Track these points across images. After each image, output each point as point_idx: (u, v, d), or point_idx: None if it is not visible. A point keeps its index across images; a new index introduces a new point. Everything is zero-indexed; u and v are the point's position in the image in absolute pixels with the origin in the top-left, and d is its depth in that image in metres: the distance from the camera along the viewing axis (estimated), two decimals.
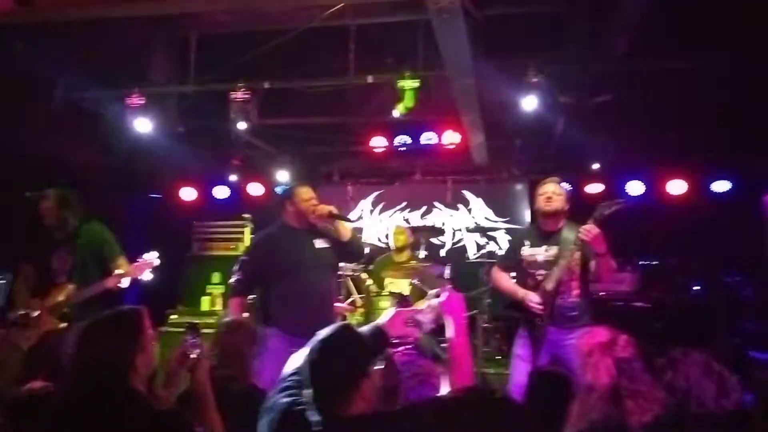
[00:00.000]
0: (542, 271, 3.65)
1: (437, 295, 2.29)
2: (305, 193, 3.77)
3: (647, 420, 2.01)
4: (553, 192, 3.71)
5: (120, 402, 1.98)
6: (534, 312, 3.60)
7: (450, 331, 2.13)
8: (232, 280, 3.75)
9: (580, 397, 2.20)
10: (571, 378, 2.57)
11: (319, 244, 3.73)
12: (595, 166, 6.72)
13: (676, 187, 6.78)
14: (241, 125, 4.94)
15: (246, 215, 6.54)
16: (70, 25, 4.39)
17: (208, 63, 5.19)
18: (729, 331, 5.11)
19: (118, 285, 3.86)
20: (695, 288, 6.23)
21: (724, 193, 6.73)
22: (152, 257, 3.96)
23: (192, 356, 2.36)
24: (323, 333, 1.85)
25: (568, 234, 3.64)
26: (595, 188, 6.80)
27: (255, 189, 7.50)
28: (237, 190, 7.55)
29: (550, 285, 3.57)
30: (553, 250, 3.66)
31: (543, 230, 3.77)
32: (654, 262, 6.27)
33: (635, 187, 6.88)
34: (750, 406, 2.34)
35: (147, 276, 3.94)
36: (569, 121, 5.81)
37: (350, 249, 3.83)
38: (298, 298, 3.57)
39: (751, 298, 5.63)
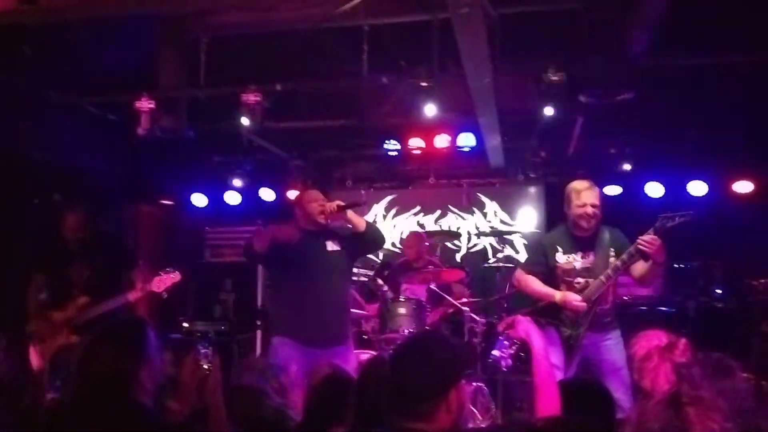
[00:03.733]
0: (580, 279, 3.55)
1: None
2: (312, 195, 3.73)
3: (713, 429, 1.88)
4: (593, 204, 3.59)
5: (123, 417, 1.91)
6: (572, 316, 3.49)
7: (533, 355, 2.04)
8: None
9: (637, 405, 2.10)
10: (604, 386, 2.46)
11: (331, 247, 3.64)
12: (616, 167, 6.56)
13: (698, 188, 6.61)
14: (253, 128, 4.84)
15: (258, 220, 6.44)
16: (75, 25, 4.32)
17: (219, 66, 5.11)
18: (761, 335, 4.94)
19: (139, 298, 3.77)
20: (717, 291, 6.07)
21: (746, 194, 6.56)
22: (176, 274, 3.88)
23: (204, 367, 2.27)
24: (413, 336, 1.77)
25: (607, 239, 3.55)
26: (613, 190, 6.64)
27: (267, 194, 7.40)
28: (249, 196, 7.44)
29: (593, 293, 3.47)
30: (590, 257, 3.57)
31: (576, 236, 3.66)
32: (676, 266, 6.11)
33: (654, 189, 6.72)
34: None
35: (165, 291, 3.85)
36: (587, 121, 5.68)
37: (369, 238, 3.74)
38: (312, 306, 3.46)
39: None
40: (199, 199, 7.50)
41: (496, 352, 2.18)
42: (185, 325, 5.70)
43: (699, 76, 5.01)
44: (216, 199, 7.47)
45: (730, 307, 5.74)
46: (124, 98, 5.09)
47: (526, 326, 2.11)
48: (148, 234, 7.33)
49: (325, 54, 5.20)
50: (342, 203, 3.66)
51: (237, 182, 7.13)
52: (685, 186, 6.62)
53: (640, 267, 3.48)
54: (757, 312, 5.09)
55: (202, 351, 2.35)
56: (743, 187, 6.56)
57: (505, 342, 2.16)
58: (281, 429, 2.30)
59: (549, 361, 2.00)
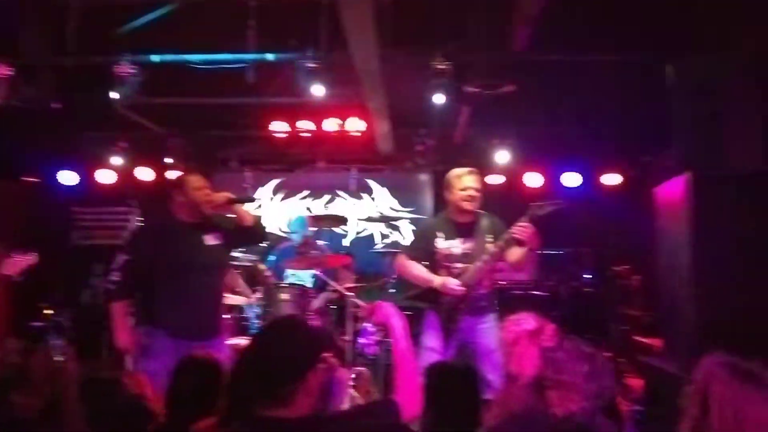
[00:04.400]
0: (459, 264, 3.64)
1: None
2: (196, 181, 3.45)
3: (572, 410, 1.96)
4: (474, 189, 3.68)
5: None
6: (450, 301, 3.56)
7: (392, 338, 2.03)
8: (111, 280, 3.39)
9: (502, 387, 2.16)
10: (476, 369, 2.53)
11: (210, 240, 3.43)
12: (497, 157, 6.80)
13: (572, 180, 7.01)
14: (125, 102, 4.53)
15: (131, 201, 6.08)
16: None
17: (92, 36, 4.73)
18: (619, 318, 5.32)
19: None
20: (587, 277, 6.48)
21: (614, 185, 7.03)
22: (32, 256, 3.55)
23: (57, 359, 2.08)
24: (271, 320, 1.71)
25: (485, 226, 3.65)
26: (495, 179, 6.89)
27: (144, 173, 7.00)
28: (124, 175, 7.00)
29: (471, 278, 3.55)
30: (469, 243, 3.66)
31: (457, 222, 3.74)
32: (550, 252, 6.44)
33: (533, 179, 7.05)
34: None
35: (18, 274, 3.52)
36: (473, 111, 5.82)
37: (254, 232, 3.59)
38: (187, 300, 3.29)
39: (638, 286, 5.90)
40: (67, 177, 6.96)
41: (362, 340, 2.18)
42: (47, 312, 5.28)
43: (576, 71, 5.26)
44: (86, 178, 6.97)
45: (597, 291, 6.14)
46: None
47: (385, 310, 2.11)
48: (8, 213, 6.71)
49: (209, 28, 4.96)
50: (233, 196, 3.48)
51: (110, 160, 6.67)
52: (560, 177, 6.99)
53: (514, 253, 3.62)
54: (616, 296, 5.48)
55: (56, 341, 2.15)
56: (612, 179, 7.03)
57: (370, 329, 2.15)
58: (137, 423, 2.17)
59: (409, 342, 2.02)
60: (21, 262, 3.53)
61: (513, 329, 2.22)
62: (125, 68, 4.39)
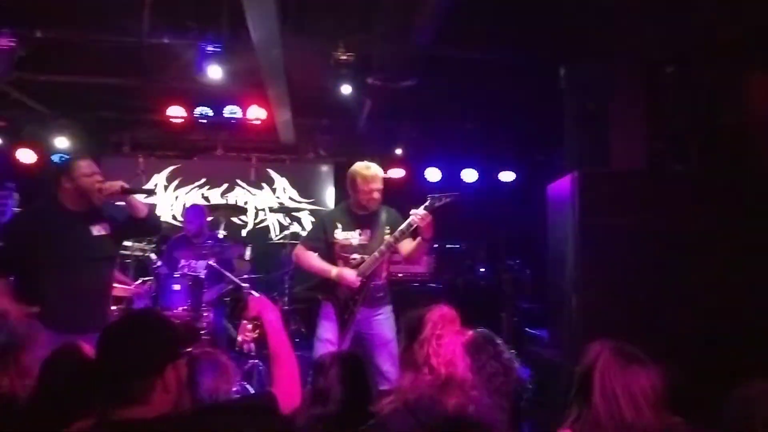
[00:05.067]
0: (356, 255, 3.65)
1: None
2: (86, 167, 3.20)
3: (466, 404, 2.02)
4: (379, 190, 3.69)
5: None
6: (347, 292, 3.56)
7: (266, 331, 1.99)
8: None
9: (406, 375, 2.17)
10: (359, 358, 2.55)
11: (97, 231, 3.21)
12: (398, 151, 6.88)
13: (470, 175, 7.22)
14: (6, 79, 4.19)
15: (9, 184, 5.62)
16: None
17: None
18: (511, 310, 5.53)
19: None
20: (481, 270, 6.70)
21: (509, 182, 7.32)
22: None
23: None
24: (123, 314, 1.61)
25: (384, 218, 3.67)
26: (396, 173, 6.97)
27: (25, 155, 6.51)
28: (2, 156, 6.48)
29: (367, 269, 3.56)
30: (367, 234, 3.69)
31: (356, 214, 3.75)
32: (446, 246, 6.61)
33: (433, 174, 7.20)
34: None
35: None
36: (375, 104, 5.85)
37: (147, 225, 3.39)
38: (70, 293, 3.07)
39: (529, 279, 6.17)
40: None
41: (240, 337, 2.14)
42: None
43: (478, 70, 5.40)
44: None
45: (491, 284, 6.36)
46: None
47: (257, 303, 2.09)
48: None
49: (102, 3, 4.67)
50: (127, 186, 3.24)
51: None
52: (460, 173, 7.19)
53: (407, 245, 3.67)
54: (509, 289, 5.70)
55: None
56: (507, 176, 7.31)
57: (248, 326, 2.11)
58: (7, 419, 2.01)
59: (283, 334, 2.00)
60: None
61: (436, 321, 2.23)
62: (4, 41, 4.05)
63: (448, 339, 2.21)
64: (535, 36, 4.73)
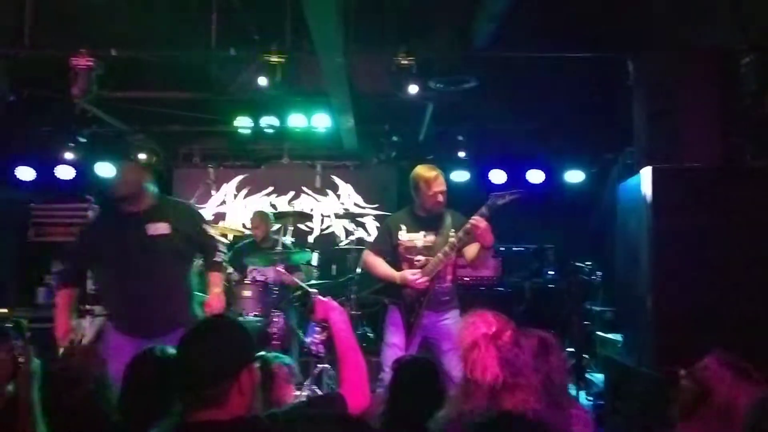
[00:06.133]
0: (420, 257, 3.65)
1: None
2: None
3: (526, 409, 1.97)
4: (443, 192, 3.69)
5: None
6: (412, 295, 3.55)
7: (333, 333, 2.01)
8: (60, 267, 3.33)
9: (457, 387, 2.13)
10: (437, 365, 2.53)
11: (153, 230, 3.26)
12: (461, 154, 6.83)
13: (536, 176, 7.08)
14: (82, 96, 4.41)
15: (90, 197, 5.94)
16: None
17: (47, 24, 4.60)
18: (581, 313, 5.39)
19: None
20: (550, 273, 6.56)
21: (577, 182, 7.12)
22: None
23: (18, 360, 2.02)
24: (202, 320, 1.66)
25: (449, 221, 3.65)
26: (460, 176, 6.92)
27: (104, 169, 6.84)
28: (83, 171, 6.83)
29: (432, 271, 3.55)
30: (432, 237, 3.67)
31: (420, 216, 3.75)
32: (513, 249, 6.51)
33: (497, 176, 7.10)
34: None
35: None
36: (437, 108, 5.84)
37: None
38: (129, 295, 3.16)
39: (599, 282, 5.99)
40: (24, 173, 6.77)
41: (308, 339, 2.16)
42: (2, 311, 5.13)
43: (541, 68, 5.31)
44: (45, 173, 6.78)
45: (560, 287, 6.22)
46: None
47: (324, 305, 2.10)
48: None
49: (172, 21, 4.87)
50: None
51: (70, 155, 6.51)
52: (525, 174, 7.06)
53: (472, 250, 3.63)
54: (580, 292, 5.55)
55: (14, 341, 2.08)
56: (575, 176, 7.12)
57: (316, 328, 2.13)
58: (95, 420, 2.12)
59: (351, 335, 2.00)
60: None
61: (470, 333, 2.13)
62: (83, 61, 4.27)
63: (485, 347, 2.10)
64: (600, 29, 4.61)
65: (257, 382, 1.65)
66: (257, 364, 1.67)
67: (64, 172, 6.77)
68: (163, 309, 3.23)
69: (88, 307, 4.81)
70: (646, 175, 3.67)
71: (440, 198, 3.68)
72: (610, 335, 4.72)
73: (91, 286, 4.85)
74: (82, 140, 6.58)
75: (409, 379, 2.29)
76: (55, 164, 6.73)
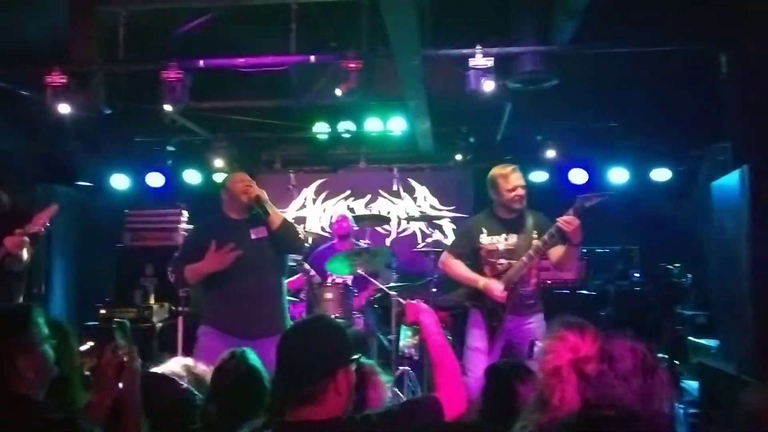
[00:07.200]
0: (503, 260, 3.58)
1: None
2: (237, 177, 3.55)
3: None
4: (522, 186, 3.62)
5: None
6: (495, 301, 3.51)
7: (425, 335, 2.00)
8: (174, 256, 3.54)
9: (535, 400, 2.03)
10: (526, 365, 2.46)
11: (255, 234, 3.45)
12: (540, 154, 6.69)
13: (619, 175, 6.83)
14: (174, 107, 4.63)
15: (180, 204, 6.22)
16: None
17: (141, 42, 4.85)
18: (672, 317, 5.16)
19: (18, 247, 3.50)
20: (635, 275, 6.31)
21: (664, 181, 6.83)
22: (52, 206, 3.63)
23: (123, 358, 2.13)
24: (300, 320, 1.72)
25: (531, 222, 3.59)
26: (539, 177, 6.78)
27: (191, 176, 7.15)
28: (172, 178, 7.17)
29: (516, 275, 3.49)
30: (514, 239, 3.60)
31: (501, 218, 3.69)
32: (596, 250, 6.31)
33: (578, 176, 6.90)
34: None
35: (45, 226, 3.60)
36: (515, 107, 5.75)
37: (278, 239, 3.49)
38: (234, 298, 3.33)
39: (690, 285, 5.71)
40: (119, 181, 7.17)
41: (401, 343, 2.16)
42: (102, 312, 5.44)
43: (622, 63, 5.14)
44: (137, 181, 7.17)
45: (647, 290, 5.97)
46: (35, 72, 4.76)
47: (414, 308, 2.08)
48: (65, 216, 6.94)
49: (252, 31, 5.03)
50: (262, 197, 3.45)
51: (159, 164, 6.84)
52: (607, 173, 6.83)
53: (558, 251, 3.54)
54: (669, 295, 5.31)
55: (119, 342, 2.19)
56: (661, 174, 6.83)
57: (408, 331, 2.12)
58: (187, 419, 2.20)
59: (443, 337, 1.98)
60: (44, 215, 3.58)
61: (552, 359, 1.96)
62: (172, 74, 4.48)
63: (567, 376, 1.92)
64: (689, 21, 4.41)
65: (353, 384, 1.68)
66: (353, 366, 1.69)
67: (155, 180, 7.13)
68: (266, 312, 3.39)
69: (180, 309, 5.04)
70: (743, 172, 3.48)
71: (520, 192, 3.61)
72: (703, 340, 4.50)
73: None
74: (171, 149, 6.90)
75: (504, 386, 2.25)
76: (146, 172, 7.10)
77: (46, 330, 1.94)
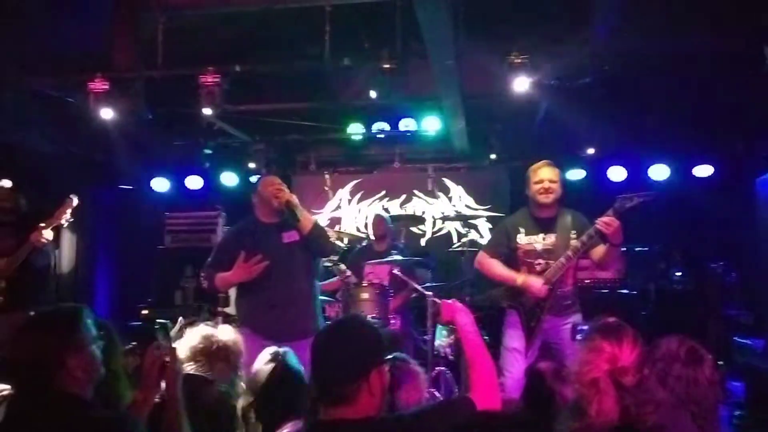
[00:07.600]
0: (541, 261, 3.55)
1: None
2: (267, 181, 3.59)
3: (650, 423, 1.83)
4: (550, 180, 3.58)
5: (46, 405, 1.82)
6: (532, 299, 3.48)
7: (460, 335, 2.00)
8: (207, 262, 3.62)
9: (571, 406, 2.00)
10: (566, 367, 2.44)
11: (287, 238, 3.49)
12: (579, 151, 6.60)
13: (659, 172, 6.68)
14: (212, 111, 4.71)
15: (218, 206, 6.33)
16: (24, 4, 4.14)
17: (178, 47, 4.95)
18: (717, 317, 5.04)
19: (43, 239, 3.67)
20: (677, 274, 6.17)
21: (706, 178, 6.65)
22: (71, 199, 3.82)
23: (165, 358, 2.19)
24: (334, 321, 1.74)
25: (569, 221, 3.54)
26: (577, 174, 6.69)
27: (229, 178, 7.27)
28: (210, 180, 7.30)
29: (554, 275, 3.46)
30: (551, 239, 3.56)
31: (538, 217, 3.65)
32: (637, 249, 6.18)
33: (617, 173, 6.78)
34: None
35: (66, 219, 3.81)
36: (551, 104, 5.68)
37: (309, 243, 3.53)
38: (267, 300, 3.37)
39: (735, 283, 5.56)
40: (159, 184, 7.33)
41: (437, 342, 2.16)
42: (145, 312, 5.57)
43: (661, 61, 5.03)
44: (176, 184, 7.32)
45: (689, 289, 5.84)
46: (77, 79, 4.90)
47: (449, 307, 2.07)
48: (107, 219, 7.15)
49: (286, 35, 5.08)
50: (293, 201, 3.48)
51: (198, 166, 6.98)
52: (647, 170, 6.69)
53: (599, 250, 3.49)
54: (713, 294, 5.18)
55: (161, 341, 2.25)
56: (703, 171, 6.65)
57: (443, 331, 2.12)
58: (225, 420, 2.25)
59: (479, 337, 1.97)
60: (64, 208, 3.73)
61: (589, 370, 1.93)
62: (210, 79, 4.56)
63: (605, 387, 1.89)
64: (731, 14, 4.29)
65: (387, 384, 1.69)
66: (387, 367, 1.70)
67: (194, 183, 7.27)
68: (300, 314, 3.44)
69: (219, 309, 5.13)
70: None
71: (546, 185, 3.55)
72: (748, 341, 4.38)
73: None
74: (209, 152, 7.03)
75: (545, 387, 2.24)
76: (185, 175, 7.25)
77: (94, 331, 1.99)
